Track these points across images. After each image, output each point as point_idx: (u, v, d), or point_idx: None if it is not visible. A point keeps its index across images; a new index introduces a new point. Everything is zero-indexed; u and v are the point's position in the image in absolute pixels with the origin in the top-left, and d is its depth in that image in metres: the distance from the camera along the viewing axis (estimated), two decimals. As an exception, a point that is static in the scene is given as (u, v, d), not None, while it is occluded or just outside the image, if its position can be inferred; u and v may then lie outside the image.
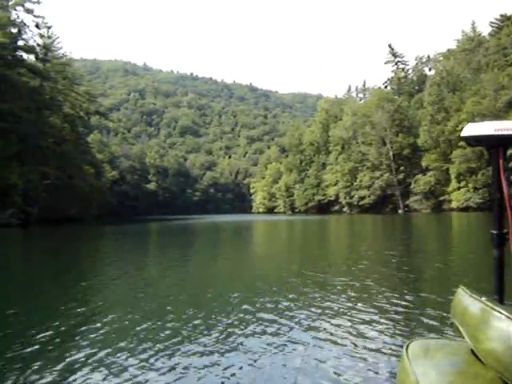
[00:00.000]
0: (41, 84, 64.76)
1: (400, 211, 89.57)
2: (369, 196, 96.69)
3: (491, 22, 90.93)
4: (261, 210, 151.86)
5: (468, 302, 1.36)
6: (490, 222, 1.71)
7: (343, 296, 8.67)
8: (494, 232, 1.69)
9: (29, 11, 60.38)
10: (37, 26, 62.09)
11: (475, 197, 74.33)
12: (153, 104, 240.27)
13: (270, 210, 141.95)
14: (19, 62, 53.00)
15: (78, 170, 77.27)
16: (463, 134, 1.72)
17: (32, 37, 62.59)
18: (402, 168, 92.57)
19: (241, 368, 5.06)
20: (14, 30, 54.24)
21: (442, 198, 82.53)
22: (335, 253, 18.38)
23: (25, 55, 60.76)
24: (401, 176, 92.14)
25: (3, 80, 48.10)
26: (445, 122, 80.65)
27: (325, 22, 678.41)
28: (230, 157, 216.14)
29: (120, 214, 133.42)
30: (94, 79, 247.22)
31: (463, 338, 1.31)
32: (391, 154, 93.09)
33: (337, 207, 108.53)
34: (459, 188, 77.51)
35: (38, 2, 60.18)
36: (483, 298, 1.28)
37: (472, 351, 1.25)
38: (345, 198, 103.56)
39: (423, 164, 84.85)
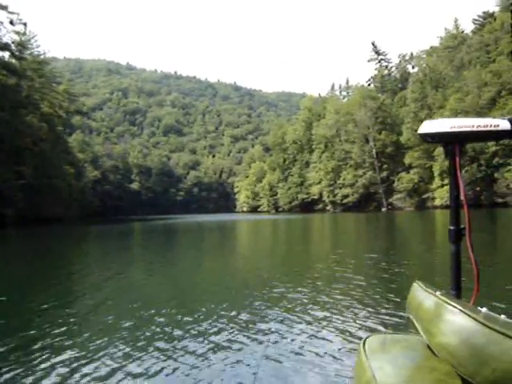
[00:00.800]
0: (16, 82, 63.27)
1: (383, 209, 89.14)
2: (352, 194, 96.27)
3: (474, 20, 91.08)
4: (245, 209, 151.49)
5: (422, 296, 1.38)
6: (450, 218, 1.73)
7: (309, 294, 8.68)
8: (452, 228, 1.72)
9: (3, 7, 59.07)
10: (11, 22, 60.58)
11: (459, 194, 73.92)
12: (136, 103, 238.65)
13: (254, 209, 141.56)
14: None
15: (56, 170, 75.98)
16: (420, 131, 1.73)
17: (6, 33, 60.97)
18: (385, 166, 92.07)
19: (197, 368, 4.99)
20: None
21: (425, 196, 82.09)
22: (312, 252, 17.98)
23: (-1, 53, 59.67)
24: (384, 174, 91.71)
25: None
26: (428, 119, 79.37)
27: (309, 21, 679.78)
28: (213, 156, 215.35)
29: (103, 213, 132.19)
30: (76, 78, 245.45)
31: (419, 332, 1.33)
32: (374, 151, 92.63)
33: (320, 206, 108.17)
34: (442, 185, 76.95)
35: (13, -2, 58.88)
36: (437, 293, 1.30)
37: (428, 346, 1.27)
38: (328, 196, 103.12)
39: (406, 162, 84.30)
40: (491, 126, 1.52)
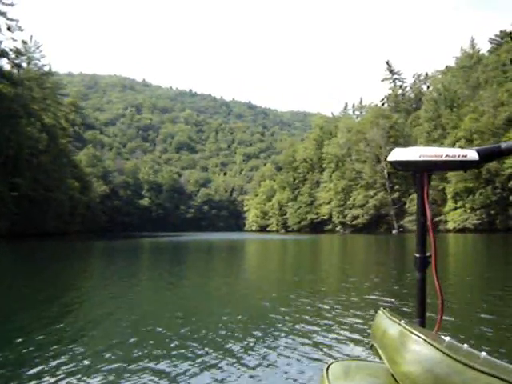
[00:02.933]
0: (13, 91, 61.75)
1: (394, 231, 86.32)
2: (362, 215, 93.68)
3: (491, 39, 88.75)
4: (254, 228, 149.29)
5: (387, 324, 1.37)
6: (415, 245, 1.75)
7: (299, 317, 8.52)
8: (417, 255, 1.73)
9: (1, 13, 57.64)
10: (8, 28, 59.02)
11: (472, 217, 71.40)
12: (149, 119, 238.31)
13: (263, 228, 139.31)
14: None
15: (57, 183, 74.08)
16: (390, 158, 1.72)
17: (4, 40, 59.43)
18: (396, 187, 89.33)
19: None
20: None
21: (437, 219, 79.02)
22: (316, 277, 16.73)
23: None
24: (395, 195, 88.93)
25: None
26: (441, 139, 77.90)
27: (325, 40, 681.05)
28: (225, 174, 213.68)
29: (111, 229, 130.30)
30: (91, 94, 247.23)
31: (382, 360, 1.32)
32: (386, 172, 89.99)
33: (330, 226, 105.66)
34: (456, 208, 74.41)
35: (12, 5, 57.40)
36: (402, 321, 1.29)
37: (391, 374, 1.24)
38: (338, 217, 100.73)
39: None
40: (459, 156, 1.55)
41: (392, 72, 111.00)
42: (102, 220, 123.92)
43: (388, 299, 10.43)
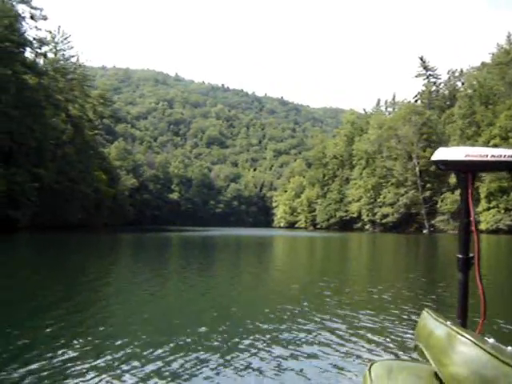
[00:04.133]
0: (34, 80, 61.24)
1: (425, 231, 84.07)
2: (392, 214, 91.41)
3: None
4: (282, 224, 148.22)
5: (433, 325, 1.35)
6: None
7: (329, 316, 8.58)
8: (460, 256, 1.74)
9: (25, 2, 57.00)
10: (32, 17, 58.36)
11: (506, 218, 68.84)
12: (181, 114, 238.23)
13: (291, 225, 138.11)
14: (7, 55, 49.21)
15: (82, 175, 73.65)
16: (434, 157, 1.71)
17: (28, 29, 58.80)
18: (428, 185, 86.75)
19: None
20: (6, 22, 50.55)
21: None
22: (345, 275, 17.04)
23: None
24: (427, 194, 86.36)
25: None
26: (476, 137, 75.37)
27: (358, 36, 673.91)
28: (255, 169, 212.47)
29: (140, 222, 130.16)
30: (124, 87, 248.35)
31: (427, 360, 1.31)
32: (417, 169, 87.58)
33: (359, 224, 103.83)
34: (489, 208, 71.78)
35: (34, -7, 56.84)
36: (448, 323, 1.29)
37: (435, 374, 1.24)
38: (367, 215, 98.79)
39: (451, 181, 78.77)
40: (505, 156, 1.52)
41: (426, 68, 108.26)
42: (130, 213, 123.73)
43: (425, 300, 10.50)
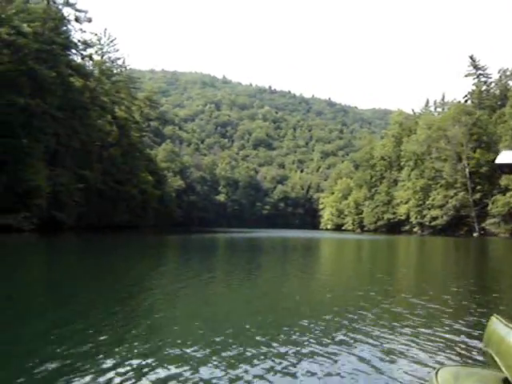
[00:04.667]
0: (85, 83, 62.08)
1: (475, 234, 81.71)
2: (441, 216, 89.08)
3: None
4: (329, 226, 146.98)
5: (505, 331, 1.33)
6: None
7: (382, 323, 8.51)
8: None
9: (70, 4, 57.80)
10: (76, 19, 59.09)
11: None
12: (228, 116, 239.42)
13: (338, 227, 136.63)
14: (53, 57, 49.97)
15: (128, 176, 74.36)
16: (498, 160, 1.64)
17: (74, 32, 59.63)
18: (478, 187, 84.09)
19: None
20: (52, 24, 51.36)
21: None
22: (393, 280, 17.02)
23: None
24: (477, 196, 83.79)
25: (28, 74, 45.19)
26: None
27: (407, 36, 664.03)
28: (302, 171, 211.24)
29: (187, 224, 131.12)
30: (172, 90, 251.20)
31: (496, 366, 1.29)
32: (467, 171, 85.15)
33: (407, 227, 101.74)
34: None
35: (79, -5, 57.41)
36: None
37: (504, 381, 1.23)
38: (416, 217, 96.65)
39: (503, 183, 76.26)
40: None
41: (476, 67, 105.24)
42: (177, 215, 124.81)
43: (482, 306, 10.32)
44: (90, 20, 60.46)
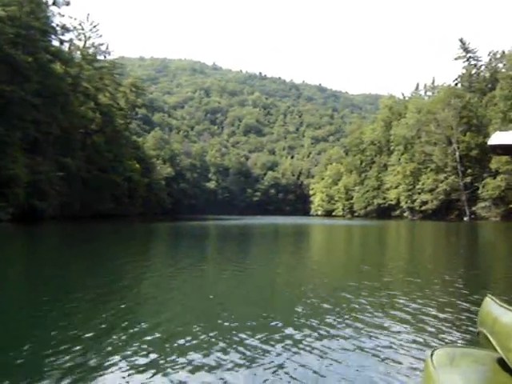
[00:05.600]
0: (65, 69, 60.37)
1: (466, 218, 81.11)
2: (432, 201, 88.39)
3: None
4: (319, 212, 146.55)
5: (498, 312, 1.30)
6: None
7: (378, 309, 8.24)
8: None
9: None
10: (54, 3, 57.01)
11: None
12: (218, 102, 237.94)
13: (329, 213, 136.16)
14: (30, 42, 48.30)
15: (113, 164, 73.06)
16: (491, 142, 1.57)
17: (52, 16, 57.45)
18: (469, 170, 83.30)
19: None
20: (28, 8, 49.33)
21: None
22: (386, 266, 16.04)
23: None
24: (467, 179, 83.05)
25: (4, 60, 43.64)
26: (517, 121, 71.85)
27: (396, 19, 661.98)
28: (292, 157, 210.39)
29: (177, 212, 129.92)
30: (161, 77, 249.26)
31: (491, 347, 1.29)
32: (458, 154, 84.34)
33: (397, 212, 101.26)
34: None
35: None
36: None
37: (499, 361, 1.23)
38: (406, 202, 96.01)
39: (493, 166, 75.38)
40: None
41: (466, 50, 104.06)
42: (166, 202, 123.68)
43: (479, 289, 10.09)
44: (68, 3, 58.75)
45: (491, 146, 1.66)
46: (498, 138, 1.63)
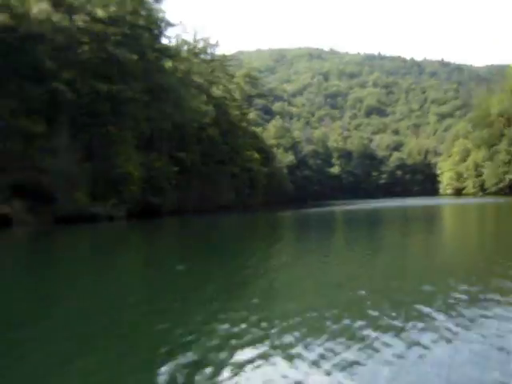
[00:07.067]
0: (174, 65, 62.02)
1: None
2: None
3: None
4: (448, 191, 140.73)
5: None
6: None
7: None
8: None
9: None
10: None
11: None
12: (337, 86, 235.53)
13: (459, 192, 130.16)
14: (134, 41, 49.61)
15: (230, 155, 74.44)
16: None
17: (156, 12, 58.48)
18: None
19: None
20: (130, 7, 50.50)
21: None
22: None
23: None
24: None
25: (110, 61, 45.41)
26: None
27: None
28: (417, 136, 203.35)
29: (302, 199, 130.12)
30: (279, 66, 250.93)
31: None
32: None
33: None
34: None
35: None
36: None
37: None
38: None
39: None
40: None
41: None
42: (290, 190, 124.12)
43: None
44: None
45: None
46: None
